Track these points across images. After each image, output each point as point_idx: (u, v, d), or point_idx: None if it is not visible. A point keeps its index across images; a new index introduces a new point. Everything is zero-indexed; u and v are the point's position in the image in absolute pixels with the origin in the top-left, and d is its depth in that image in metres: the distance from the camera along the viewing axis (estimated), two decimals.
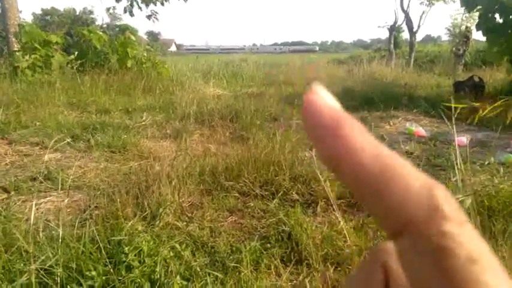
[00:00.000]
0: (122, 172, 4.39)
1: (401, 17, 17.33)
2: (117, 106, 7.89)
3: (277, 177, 3.85)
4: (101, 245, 2.35)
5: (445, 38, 26.68)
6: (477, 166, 4.26)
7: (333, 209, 3.38)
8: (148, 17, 12.14)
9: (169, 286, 2.32)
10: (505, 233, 2.60)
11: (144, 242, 2.68)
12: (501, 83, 8.93)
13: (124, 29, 10.41)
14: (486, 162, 4.15)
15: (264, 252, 2.69)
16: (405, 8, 16.35)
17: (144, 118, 6.73)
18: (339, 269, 2.50)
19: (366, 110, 7.96)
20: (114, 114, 7.34)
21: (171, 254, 2.68)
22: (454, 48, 14.72)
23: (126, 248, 2.57)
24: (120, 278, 2.35)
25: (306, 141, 5.44)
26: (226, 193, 3.72)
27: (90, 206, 3.38)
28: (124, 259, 2.49)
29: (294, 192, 3.63)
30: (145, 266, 2.51)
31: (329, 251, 2.63)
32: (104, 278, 2.34)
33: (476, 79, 8.99)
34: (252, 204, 3.55)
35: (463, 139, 5.60)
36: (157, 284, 2.35)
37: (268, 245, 2.82)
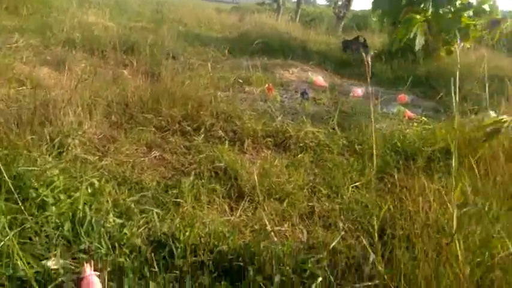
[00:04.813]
0: None
1: None
2: None
3: (198, 113, 3.54)
4: (5, 176, 1.79)
5: (320, 1, 28.16)
6: (377, 115, 4.60)
7: (261, 147, 3.27)
8: None
9: (100, 226, 1.93)
10: (427, 170, 2.83)
11: (56, 177, 2.18)
12: (381, 44, 9.74)
13: None
14: (392, 111, 4.50)
15: (202, 188, 2.44)
16: None
17: (15, 40, 5.53)
18: (284, 203, 2.41)
19: (265, 57, 7.91)
20: None
21: (90, 190, 2.25)
22: (336, 10, 15.56)
23: (35, 182, 2.05)
24: (32, 217, 1.87)
25: (218, 81, 5.16)
26: (142, 127, 3.28)
27: None
28: (34, 195, 1.99)
29: (218, 129, 3.38)
30: (61, 203, 2.04)
31: (272, 186, 2.52)
32: (8, 217, 1.83)
33: (361, 39, 9.65)
34: (173, 140, 3.21)
35: (358, 90, 5.99)
36: (82, 223, 1.93)
37: (203, 181, 2.57)
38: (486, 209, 1.81)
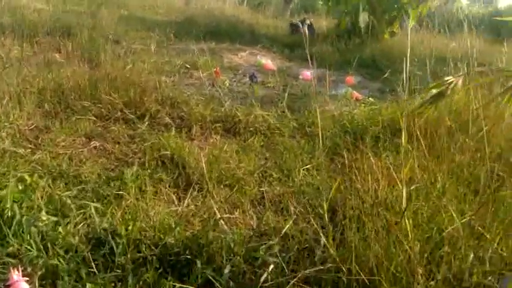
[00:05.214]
0: None
1: None
2: None
3: (142, 99, 3.35)
4: None
5: None
6: (326, 96, 4.61)
7: (210, 133, 3.16)
8: None
9: (31, 225, 1.74)
10: (375, 149, 2.85)
11: None
12: (327, 28, 9.80)
13: None
14: (340, 93, 4.52)
15: (147, 178, 2.30)
16: None
17: None
18: (234, 190, 2.32)
19: (213, 41, 7.71)
20: None
21: (20, 187, 2.04)
22: None
23: None
24: None
25: (163, 66, 4.94)
26: (80, 116, 3.05)
27: None
28: None
29: (165, 116, 3.22)
30: None
31: (221, 173, 2.42)
32: None
33: (307, 22, 9.67)
34: (115, 129, 3.01)
35: (308, 73, 5.99)
36: (12, 225, 1.74)
37: (148, 171, 2.42)
38: (433, 184, 1.83)
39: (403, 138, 1.70)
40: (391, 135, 3.03)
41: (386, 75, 4.77)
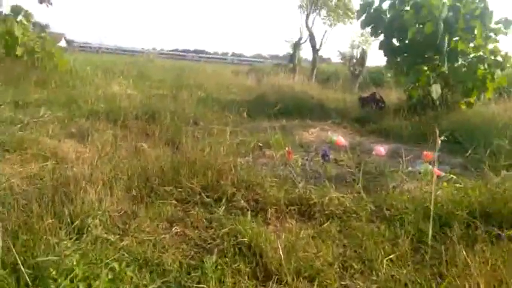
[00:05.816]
0: (23, 175, 3.57)
1: (305, 34, 18.16)
2: (3, 98, 6.66)
3: (219, 183, 3.48)
4: (22, 268, 1.72)
5: (335, 59, 28.63)
6: (402, 174, 4.42)
7: (285, 216, 3.15)
8: (41, 0, 10.65)
9: None
10: (465, 238, 2.63)
11: (75, 263, 2.10)
12: (398, 101, 9.68)
13: (16, 11, 8.86)
14: (419, 170, 4.34)
15: (226, 268, 2.31)
16: (310, 26, 17.24)
17: (42, 113, 5.74)
18: (315, 284, 2.23)
19: (283, 118, 7.96)
20: (1, 108, 6.16)
21: (110, 276, 2.14)
22: (351, 68, 15.90)
23: (54, 272, 1.97)
24: None
25: (238, 147, 5.14)
26: (162, 200, 3.22)
27: None
28: (53, 286, 1.90)
29: (240, 198, 3.29)
30: None
31: (299, 263, 2.36)
32: None
33: (377, 96, 9.68)
34: (194, 213, 3.12)
35: (381, 149, 5.86)
36: None
37: (226, 260, 2.43)
38: None
39: None
40: (483, 222, 2.79)
41: (469, 152, 4.51)
